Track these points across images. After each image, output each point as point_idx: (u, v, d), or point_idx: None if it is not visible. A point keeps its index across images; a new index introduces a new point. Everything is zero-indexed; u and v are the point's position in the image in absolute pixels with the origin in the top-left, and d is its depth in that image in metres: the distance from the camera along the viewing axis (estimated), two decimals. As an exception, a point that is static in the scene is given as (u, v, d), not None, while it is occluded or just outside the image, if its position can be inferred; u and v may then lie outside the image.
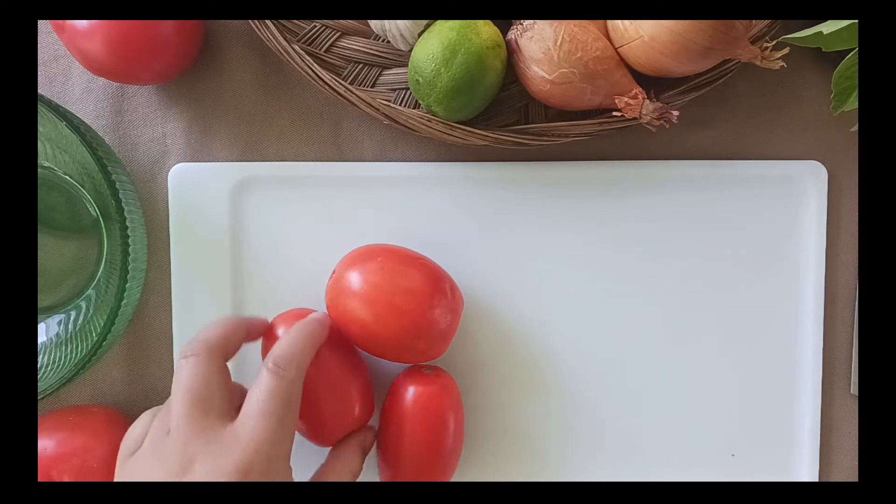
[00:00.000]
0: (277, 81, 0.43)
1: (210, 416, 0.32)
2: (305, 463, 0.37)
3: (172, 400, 0.33)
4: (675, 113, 0.37)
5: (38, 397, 0.37)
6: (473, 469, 0.43)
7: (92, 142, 0.37)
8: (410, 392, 0.39)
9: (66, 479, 0.38)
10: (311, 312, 0.38)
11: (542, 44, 0.36)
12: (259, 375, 0.33)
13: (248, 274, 0.42)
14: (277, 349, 0.34)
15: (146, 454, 0.33)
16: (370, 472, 0.40)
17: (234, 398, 0.34)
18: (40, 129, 0.39)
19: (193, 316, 0.42)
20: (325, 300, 0.39)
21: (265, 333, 0.38)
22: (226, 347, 0.35)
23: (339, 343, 0.38)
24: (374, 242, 0.41)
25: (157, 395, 0.43)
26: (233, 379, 0.35)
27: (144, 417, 0.35)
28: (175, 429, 0.32)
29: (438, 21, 0.37)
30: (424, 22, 0.38)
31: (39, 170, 0.42)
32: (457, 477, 0.42)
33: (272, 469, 0.32)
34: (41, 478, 0.38)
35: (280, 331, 0.37)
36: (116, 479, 0.33)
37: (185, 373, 0.33)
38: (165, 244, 0.43)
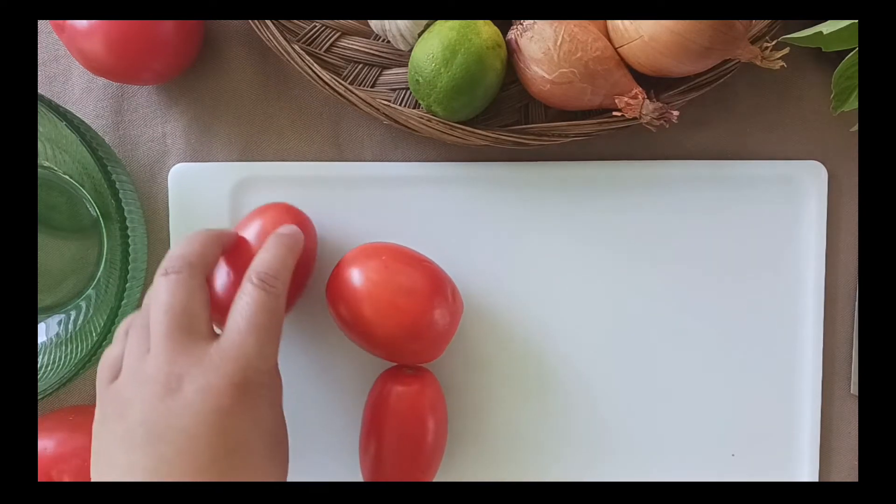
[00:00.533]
0: (277, 81, 0.43)
1: (194, 335, 0.31)
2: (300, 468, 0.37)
3: (152, 319, 0.32)
4: (675, 113, 0.37)
5: (38, 397, 0.37)
6: (474, 471, 0.43)
7: (92, 142, 0.37)
8: (390, 392, 0.39)
9: (66, 479, 0.38)
10: (280, 204, 0.39)
11: (542, 44, 0.36)
12: (243, 290, 0.33)
13: (248, 274, 0.42)
14: (261, 264, 0.34)
15: (127, 379, 0.31)
16: (354, 473, 0.40)
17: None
18: (40, 129, 0.39)
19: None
20: (325, 296, 0.39)
21: (236, 245, 0.37)
22: (205, 264, 0.34)
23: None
24: (374, 241, 0.41)
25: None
26: None
27: (119, 338, 0.34)
28: (156, 349, 0.31)
29: (438, 21, 0.37)
30: (424, 22, 0.38)
31: (39, 170, 0.42)
32: (456, 479, 0.42)
33: (264, 382, 0.32)
34: (41, 478, 0.38)
35: (253, 228, 0.38)
36: (98, 408, 0.32)
37: (166, 290, 0.32)
38: (165, 244, 0.43)
